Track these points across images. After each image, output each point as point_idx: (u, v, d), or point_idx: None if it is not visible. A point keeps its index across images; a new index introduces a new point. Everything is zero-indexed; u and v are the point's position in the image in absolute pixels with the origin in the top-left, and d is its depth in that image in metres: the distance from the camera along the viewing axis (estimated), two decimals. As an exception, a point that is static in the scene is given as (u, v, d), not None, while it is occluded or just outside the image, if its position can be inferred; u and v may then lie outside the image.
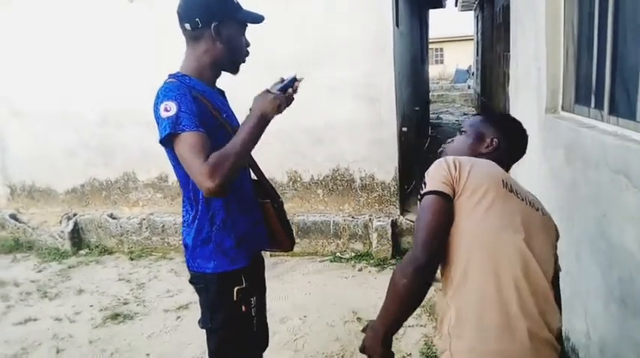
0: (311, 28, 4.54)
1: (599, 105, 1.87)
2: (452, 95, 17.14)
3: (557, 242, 1.35)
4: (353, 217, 4.40)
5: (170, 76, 1.60)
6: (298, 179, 5.05)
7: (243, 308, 1.61)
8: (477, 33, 12.88)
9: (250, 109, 1.57)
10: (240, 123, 1.59)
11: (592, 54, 1.94)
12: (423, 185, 1.28)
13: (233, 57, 1.65)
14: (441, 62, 27.32)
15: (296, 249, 4.43)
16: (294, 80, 1.69)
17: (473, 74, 16.45)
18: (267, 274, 3.25)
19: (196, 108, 1.48)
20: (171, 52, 5.25)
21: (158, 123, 1.49)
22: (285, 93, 1.64)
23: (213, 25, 1.55)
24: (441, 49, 27.36)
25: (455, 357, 1.18)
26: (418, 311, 3.20)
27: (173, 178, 5.43)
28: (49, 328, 3.32)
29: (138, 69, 5.06)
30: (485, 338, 1.16)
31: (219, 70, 1.67)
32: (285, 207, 5.25)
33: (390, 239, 4.16)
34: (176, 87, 1.51)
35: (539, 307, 1.19)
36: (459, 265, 1.21)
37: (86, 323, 3.37)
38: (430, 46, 14.11)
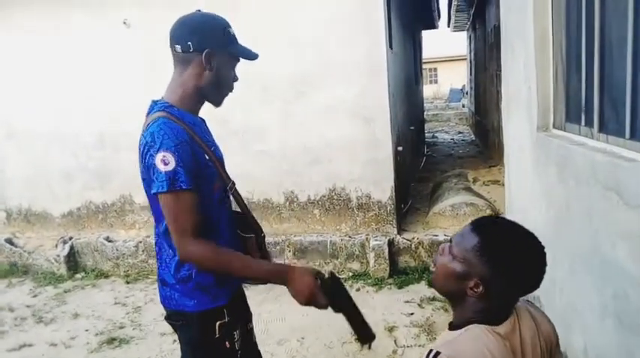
0: (308, 50, 4.61)
1: (589, 123, 1.90)
2: (446, 114, 17.31)
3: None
4: (350, 237, 4.40)
5: (157, 105, 1.56)
6: (295, 199, 5.06)
7: (227, 344, 1.58)
8: (470, 52, 13.06)
9: (287, 271, 1.55)
10: (218, 152, 1.64)
11: (580, 73, 1.98)
12: None
13: (219, 88, 1.62)
14: (435, 82, 27.62)
15: (293, 270, 4.45)
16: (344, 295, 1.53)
17: (467, 93, 16.63)
18: (264, 296, 3.26)
19: (191, 156, 1.46)
20: (167, 77, 5.24)
21: (152, 173, 1.43)
22: (325, 302, 1.52)
23: (205, 52, 1.53)
24: (435, 69, 27.69)
25: None
26: (416, 331, 3.19)
27: (170, 200, 5.44)
28: (44, 354, 3.29)
29: (134, 92, 5.09)
30: None
31: (202, 99, 1.63)
32: (282, 227, 5.29)
33: (387, 258, 4.16)
34: (174, 132, 1.45)
35: None
36: None
37: (82, 348, 3.34)
38: (424, 66, 14.30)
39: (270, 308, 3.71)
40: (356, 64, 4.56)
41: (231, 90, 1.66)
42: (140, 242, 4.63)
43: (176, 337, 3.34)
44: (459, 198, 5.06)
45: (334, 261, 4.35)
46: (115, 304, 3.99)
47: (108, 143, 5.37)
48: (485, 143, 8.79)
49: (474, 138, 11.73)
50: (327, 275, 1.52)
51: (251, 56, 1.62)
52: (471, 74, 13.32)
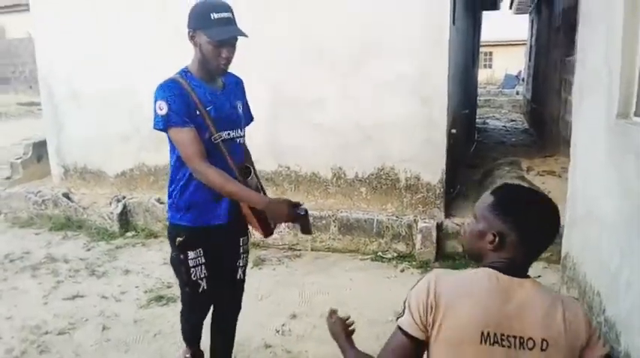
0: (369, 20, 4.48)
1: (681, 112, 1.76)
2: (499, 100, 16.73)
3: (584, 336, 1.21)
4: (397, 217, 4.33)
5: (179, 70, 2.04)
6: (342, 175, 5.02)
7: (182, 256, 2.09)
8: (531, 37, 12.49)
9: (267, 198, 2.00)
10: (242, 108, 2.17)
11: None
12: (403, 304, 1.26)
13: (204, 63, 1.99)
14: (490, 66, 26.71)
15: (338, 245, 4.44)
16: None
17: (523, 80, 16.00)
18: (309, 268, 3.30)
19: (183, 104, 1.92)
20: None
21: (154, 115, 1.95)
22: (297, 218, 1.97)
23: (188, 33, 1.97)
24: (490, 53, 26.73)
25: None
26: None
27: (219, 168, 5.50)
28: (96, 305, 3.42)
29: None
30: None
31: (204, 71, 2.02)
32: (327, 202, 5.25)
33: (434, 241, 4.08)
34: (170, 87, 1.94)
35: None
36: None
37: (131, 303, 3.45)
38: (480, 49, 13.80)
39: (314, 281, 3.72)
40: (417, 37, 4.40)
41: (218, 67, 1.98)
42: (189, 206, 4.70)
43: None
44: (511, 187, 4.88)
45: (379, 240, 4.30)
46: (164, 264, 4.09)
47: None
48: (541, 132, 8.46)
49: (527, 127, 11.31)
50: (302, 213, 1.98)
51: (225, 41, 1.93)
52: (530, 60, 12.77)
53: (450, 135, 4.89)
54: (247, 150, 2.31)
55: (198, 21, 1.93)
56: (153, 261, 4.15)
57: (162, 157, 5.61)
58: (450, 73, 4.68)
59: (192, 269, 2.10)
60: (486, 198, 1.32)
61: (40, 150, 6.53)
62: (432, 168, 4.63)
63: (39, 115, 14.36)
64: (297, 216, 1.96)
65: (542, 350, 1.18)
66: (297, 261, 4.12)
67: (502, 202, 1.29)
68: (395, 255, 4.17)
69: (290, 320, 3.17)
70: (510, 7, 12.85)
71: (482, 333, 1.17)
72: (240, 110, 2.18)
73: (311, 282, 3.70)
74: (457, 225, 4.17)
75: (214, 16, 1.90)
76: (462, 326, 1.17)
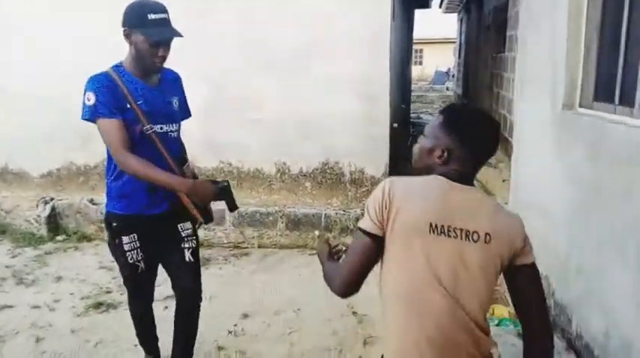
0: (309, 19, 4.44)
1: (627, 102, 1.85)
2: (430, 96, 17.27)
3: (520, 242, 1.31)
4: (344, 211, 4.33)
5: (113, 65, 2.10)
6: (287, 171, 4.96)
7: (117, 241, 2.18)
8: (461, 35, 12.99)
9: (188, 180, 2.07)
10: (178, 103, 2.21)
11: (618, 50, 1.91)
12: (365, 211, 1.34)
13: (138, 60, 2.04)
14: (420, 63, 27.53)
15: (285, 241, 4.37)
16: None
17: (453, 76, 16.62)
18: (255, 266, 3.24)
19: (111, 96, 1.98)
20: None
21: (83, 106, 2.02)
22: (221, 193, 2.06)
23: (123, 31, 2.01)
24: (421, 50, 27.57)
25: None
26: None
27: (156, 165, 5.26)
28: (27, 316, 3.14)
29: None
30: None
31: (139, 67, 2.06)
32: (272, 198, 5.15)
33: (381, 234, 4.10)
34: (100, 80, 2.01)
35: None
36: (382, 306, 1.34)
37: (67, 311, 3.20)
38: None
39: (264, 279, 3.63)
40: (359, 35, 4.42)
41: (153, 64, 2.04)
42: (126, 206, 4.45)
43: (167, 303, 3.25)
44: (451, 178, 5.03)
45: (327, 234, 4.27)
46: (100, 268, 3.84)
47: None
48: (473, 126, 8.82)
49: (458, 122, 11.76)
50: (224, 184, 2.09)
51: (160, 42, 1.99)
52: (459, 57, 13.28)
53: (392, 129, 4.96)
54: (183, 145, 2.37)
55: (135, 20, 1.98)
56: (88, 266, 3.88)
57: (92, 156, 5.32)
58: (391, 67, 4.74)
59: (128, 253, 2.19)
60: (436, 118, 1.41)
61: (-49, 149, 5.94)
62: (376, 162, 4.68)
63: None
64: (221, 191, 2.05)
65: (485, 242, 1.27)
66: (244, 260, 4.01)
67: (450, 120, 1.38)
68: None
69: (242, 320, 3.07)
70: (440, 6, 13.28)
71: (431, 224, 1.26)
72: (176, 105, 2.22)
73: (260, 280, 3.61)
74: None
75: (151, 16, 1.96)
76: (413, 219, 1.27)
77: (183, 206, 2.17)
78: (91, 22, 4.92)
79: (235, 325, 3.00)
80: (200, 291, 2.38)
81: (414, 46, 22.81)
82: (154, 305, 3.11)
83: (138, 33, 1.97)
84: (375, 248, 1.31)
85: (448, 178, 1.32)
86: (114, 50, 5.07)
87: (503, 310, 2.99)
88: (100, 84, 1.99)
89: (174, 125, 2.18)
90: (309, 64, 4.50)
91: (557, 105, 2.30)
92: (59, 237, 4.44)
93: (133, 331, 2.91)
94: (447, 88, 18.68)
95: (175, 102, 2.21)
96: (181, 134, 2.31)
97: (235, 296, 3.33)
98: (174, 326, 2.41)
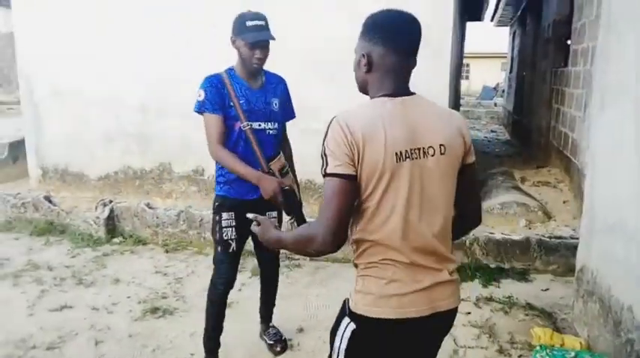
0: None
1: None
2: (478, 112, 16.91)
3: (468, 142, 1.44)
4: (400, 226, 4.21)
5: (227, 68, 2.47)
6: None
7: (217, 217, 2.51)
8: (513, 49, 12.67)
9: (258, 173, 2.35)
10: (279, 105, 2.53)
11: None
12: (324, 158, 1.32)
13: (243, 64, 2.40)
14: (467, 78, 27.11)
15: (338, 255, 4.28)
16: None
17: (503, 91, 16.23)
18: (309, 279, 3.68)
19: (217, 95, 2.36)
20: (214, 48, 5.07)
21: (195, 101, 2.41)
22: (281, 194, 2.29)
23: (230, 38, 2.38)
24: (468, 65, 27.15)
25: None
26: (476, 331, 3.03)
27: (209, 172, 5.31)
28: (86, 317, 3.18)
29: (181, 59, 4.95)
30: None
31: (245, 70, 2.42)
32: (316, 209, 5.10)
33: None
34: (211, 80, 2.40)
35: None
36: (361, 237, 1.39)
37: (125, 315, 3.22)
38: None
39: (318, 293, 3.57)
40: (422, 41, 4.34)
41: (254, 66, 2.37)
42: (182, 211, 4.49)
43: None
44: (509, 197, 4.84)
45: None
46: (156, 273, 3.87)
47: (151, 109, 5.26)
48: (526, 143, 8.52)
49: (509, 138, 11.41)
50: (285, 187, 2.32)
51: (256, 43, 2.31)
52: (510, 72, 12.94)
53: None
54: (289, 144, 2.77)
55: (237, 28, 2.34)
56: (144, 270, 3.92)
57: (148, 161, 5.44)
58: (450, 77, 4.64)
59: (224, 230, 2.49)
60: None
61: (16, 150, 6.21)
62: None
63: (8, 114, 13.78)
64: (283, 192, 2.28)
65: (441, 154, 1.36)
66: (298, 272, 3.96)
67: (365, 27, 1.43)
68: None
69: (298, 335, 3.01)
70: (492, 20, 13.01)
71: (396, 154, 1.31)
72: (276, 106, 2.52)
73: (315, 294, 3.54)
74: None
75: (249, 23, 2.30)
76: (380, 153, 1.29)
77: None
78: (147, 30, 5.06)
79: (291, 340, 2.94)
80: (278, 271, 2.87)
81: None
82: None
83: (239, 38, 2.33)
84: (354, 188, 1.31)
85: (388, 96, 1.37)
86: (168, 57, 5.19)
87: (575, 341, 2.82)
88: (210, 84, 2.39)
89: (272, 124, 2.49)
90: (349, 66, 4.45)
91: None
92: (116, 239, 4.53)
93: (189, 340, 2.92)
94: (495, 104, 18.26)
95: (275, 103, 2.51)
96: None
97: (290, 309, 3.27)
98: (262, 289, 2.88)
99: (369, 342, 1.41)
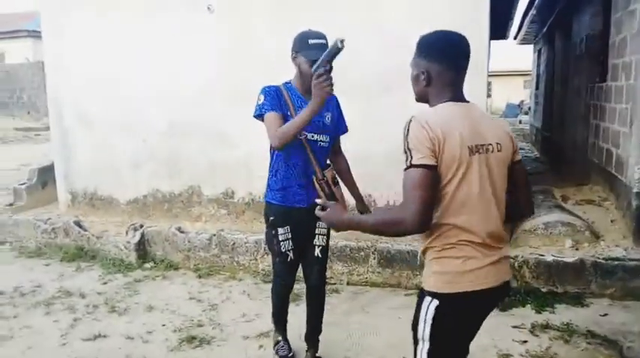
0: (398, 44, 4.28)
1: None
2: (502, 129, 16.60)
3: (514, 143, 1.69)
4: (443, 248, 4.01)
5: (283, 82, 2.58)
6: (372, 203, 4.75)
7: (273, 232, 2.59)
8: (538, 66, 12.48)
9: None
10: (331, 119, 2.59)
11: None
12: (408, 152, 1.49)
13: (302, 79, 2.48)
14: (489, 96, 26.82)
15: (377, 279, 4.11)
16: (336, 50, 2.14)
17: (529, 109, 15.98)
18: (349, 305, 3.58)
19: (276, 101, 2.45)
20: (240, 66, 4.97)
21: (255, 106, 2.49)
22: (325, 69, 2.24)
23: (291, 54, 2.49)
24: (490, 83, 26.87)
25: None
26: None
27: (239, 194, 5.21)
28: (121, 347, 3.05)
29: (207, 81, 4.91)
30: None
31: (302, 86, 2.50)
32: (356, 232, 4.95)
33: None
34: (271, 88, 2.50)
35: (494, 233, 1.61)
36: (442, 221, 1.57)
37: (160, 344, 3.08)
38: (486, 77, 13.74)
39: (360, 320, 3.38)
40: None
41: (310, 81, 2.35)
42: (214, 235, 4.38)
43: (262, 342, 3.08)
44: (553, 217, 4.60)
45: (422, 272, 3.97)
46: (190, 299, 3.74)
47: (178, 131, 5.20)
48: (558, 160, 8.25)
49: (537, 156, 11.14)
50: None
51: (314, 58, 2.31)
52: (536, 89, 12.73)
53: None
54: (344, 157, 2.83)
55: (299, 45, 2.44)
56: (177, 296, 3.79)
57: (176, 184, 5.37)
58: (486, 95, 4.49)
59: (282, 243, 2.59)
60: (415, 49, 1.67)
61: (45, 175, 6.20)
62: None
63: (36, 141, 14.05)
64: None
65: (498, 151, 1.60)
66: (335, 297, 3.79)
67: (419, 47, 1.66)
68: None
69: (344, 366, 2.83)
70: (515, 38, 12.86)
71: (469, 148, 1.53)
72: (328, 120, 2.59)
73: (356, 322, 3.36)
74: (510, 258, 3.86)
75: (311, 41, 2.41)
76: (456, 147, 1.50)
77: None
78: (172, 53, 5.04)
79: (337, 371, 2.77)
80: (324, 283, 2.84)
81: (484, 79, 22.32)
82: (249, 343, 2.98)
83: (301, 55, 2.43)
84: (436, 177, 1.49)
85: (452, 101, 1.59)
86: (192, 79, 5.11)
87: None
88: (270, 91, 2.48)
89: (324, 136, 2.57)
90: (396, 91, 4.33)
91: None
92: (147, 265, 4.42)
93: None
94: (520, 121, 17.99)
95: (328, 117, 2.59)
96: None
97: (332, 338, 3.08)
98: (307, 307, 2.86)
99: (450, 317, 1.59)
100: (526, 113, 20.15)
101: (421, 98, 1.69)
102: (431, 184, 1.47)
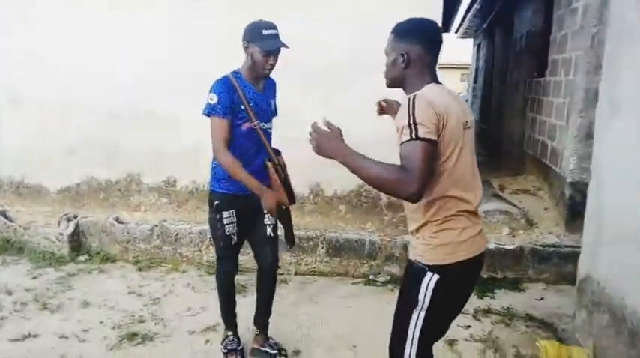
0: (353, 33, 4.25)
1: None
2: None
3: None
4: (390, 238, 4.05)
5: (232, 71, 2.55)
6: (320, 193, 4.73)
7: (217, 216, 2.61)
8: (477, 60, 12.89)
9: (263, 187, 2.50)
10: (257, 106, 2.57)
11: None
12: (413, 125, 1.53)
13: (253, 69, 2.51)
14: (427, 88, 27.48)
15: (325, 268, 4.09)
16: None
17: (467, 101, 16.51)
18: (296, 295, 3.50)
19: (229, 100, 2.45)
20: (187, 52, 4.78)
21: (205, 103, 2.48)
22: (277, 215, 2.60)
23: (243, 44, 2.49)
24: (428, 76, 27.53)
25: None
26: (480, 346, 2.88)
27: (182, 183, 5.01)
28: (55, 347, 2.84)
29: (152, 65, 4.66)
30: None
31: (253, 75, 2.54)
32: (303, 221, 4.88)
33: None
34: (223, 83, 2.48)
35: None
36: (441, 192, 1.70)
37: (99, 342, 2.90)
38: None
39: (308, 310, 3.35)
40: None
41: (265, 72, 2.49)
42: (156, 226, 4.18)
43: (208, 337, 2.97)
44: (492, 205, 4.78)
45: (371, 262, 3.99)
46: (130, 293, 3.55)
47: (118, 117, 4.91)
48: (495, 152, 8.59)
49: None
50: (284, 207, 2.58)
51: (272, 51, 2.44)
52: (475, 82, 13.16)
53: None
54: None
55: (251, 35, 2.45)
56: (116, 291, 3.59)
57: (114, 172, 5.08)
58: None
59: (226, 226, 2.62)
60: (389, 37, 1.78)
61: (-35, 162, 5.68)
62: (415, 186, 4.42)
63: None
64: (280, 211, 2.55)
65: (469, 127, 1.71)
66: (283, 288, 3.72)
67: (397, 32, 1.76)
68: (388, 278, 3.87)
69: (294, 358, 2.78)
70: (457, 32, 13.21)
71: (463, 123, 1.67)
72: (272, 107, 2.70)
73: (305, 312, 3.32)
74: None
75: (265, 32, 2.43)
76: (455, 123, 1.63)
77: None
78: (115, 35, 4.75)
79: (288, 363, 2.72)
80: (277, 260, 2.82)
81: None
82: (194, 338, 2.88)
83: (254, 45, 2.43)
84: (436, 151, 1.58)
85: (434, 83, 1.71)
86: (137, 63, 4.84)
87: (582, 353, 2.72)
88: (222, 88, 2.46)
89: (270, 123, 2.67)
90: (350, 81, 4.31)
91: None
92: (82, 257, 4.16)
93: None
94: (458, 113, 18.57)
95: (272, 104, 2.70)
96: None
97: (282, 329, 3.04)
98: (258, 286, 2.85)
99: (450, 286, 1.72)
100: (463, 105, 20.83)
101: (396, 83, 1.78)
102: (431, 158, 1.55)
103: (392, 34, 1.76)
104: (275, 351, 2.78)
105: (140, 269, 3.99)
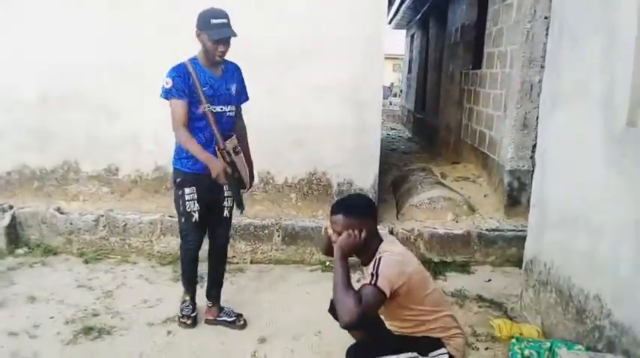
0: (300, 23, 4.24)
1: None
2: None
3: None
4: (345, 224, 4.12)
5: (191, 57, 2.70)
6: (270, 181, 4.70)
7: (180, 192, 2.75)
8: (411, 51, 13.26)
9: (209, 155, 2.66)
10: (211, 90, 2.70)
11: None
12: (375, 273, 1.89)
13: (206, 55, 2.66)
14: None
15: (281, 256, 4.11)
16: None
17: (400, 91, 16.97)
18: (256, 283, 3.55)
19: (183, 83, 2.60)
20: (127, 37, 4.60)
21: (162, 87, 2.63)
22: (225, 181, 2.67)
23: (195, 31, 2.62)
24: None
25: None
26: None
27: (124, 171, 4.78)
28: (4, 345, 2.67)
29: (90, 50, 4.40)
30: None
31: (208, 61, 2.68)
32: (254, 210, 4.83)
33: (382, 249, 3.96)
34: (178, 69, 2.63)
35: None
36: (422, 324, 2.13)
37: (52, 338, 2.75)
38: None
39: (270, 298, 3.35)
40: (353, 41, 4.27)
41: (217, 59, 2.65)
42: (101, 216, 3.99)
43: (170, 328, 2.91)
44: (435, 192, 4.99)
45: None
46: (79, 287, 3.38)
47: (53, 99, 4.60)
48: (432, 141, 8.94)
49: (410, 136, 11.94)
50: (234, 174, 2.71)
51: (221, 40, 2.58)
52: (409, 72, 13.54)
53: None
54: (243, 124, 2.97)
55: (202, 24, 2.59)
56: (63, 284, 3.40)
57: (49, 159, 4.77)
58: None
59: (188, 203, 2.75)
60: (336, 218, 2.04)
61: None
62: (365, 173, 4.53)
63: None
64: (230, 180, 2.65)
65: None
66: (240, 276, 3.70)
67: (351, 211, 2.05)
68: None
69: (261, 346, 2.78)
70: (390, 23, 13.49)
71: (420, 270, 2.10)
72: (234, 91, 2.81)
73: (266, 300, 3.32)
74: (407, 231, 4.10)
75: (214, 21, 2.57)
76: (416, 271, 2.04)
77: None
78: (49, 13, 4.44)
79: (255, 352, 2.71)
80: (228, 239, 3.04)
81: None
82: (155, 330, 2.80)
83: (204, 33, 2.58)
84: (384, 302, 1.91)
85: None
86: (72, 42, 4.57)
87: (532, 330, 2.93)
88: (177, 73, 2.61)
89: (231, 106, 2.78)
90: (295, 69, 4.29)
91: (616, 122, 2.27)
92: (20, 250, 3.90)
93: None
94: (390, 103, 19.06)
95: (234, 88, 2.79)
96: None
97: (245, 317, 3.02)
98: (210, 261, 3.03)
99: None
100: (395, 95, 21.43)
101: (353, 253, 2.08)
102: (379, 306, 1.91)
103: (342, 217, 2.01)
104: (234, 318, 2.95)
105: (87, 262, 3.80)
